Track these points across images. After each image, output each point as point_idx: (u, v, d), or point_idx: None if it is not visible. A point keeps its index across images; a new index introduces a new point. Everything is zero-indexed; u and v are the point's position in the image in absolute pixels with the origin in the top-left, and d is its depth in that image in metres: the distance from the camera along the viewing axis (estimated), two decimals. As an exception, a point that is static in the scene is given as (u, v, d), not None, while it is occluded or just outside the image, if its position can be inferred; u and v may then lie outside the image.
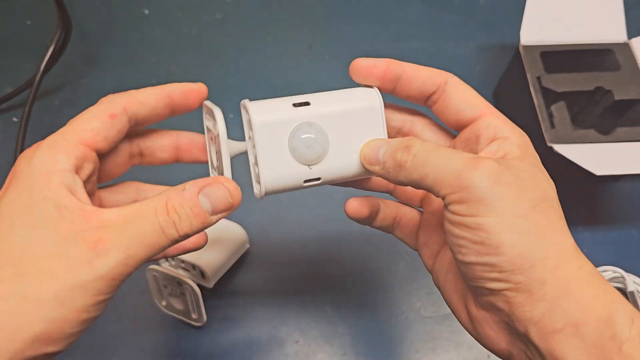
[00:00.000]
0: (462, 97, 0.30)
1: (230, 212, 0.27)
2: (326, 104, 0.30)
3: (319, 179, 0.30)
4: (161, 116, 0.30)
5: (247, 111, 0.29)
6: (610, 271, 0.47)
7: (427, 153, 0.27)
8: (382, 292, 0.48)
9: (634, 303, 0.45)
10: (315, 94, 0.30)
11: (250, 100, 0.30)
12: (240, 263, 0.48)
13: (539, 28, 0.51)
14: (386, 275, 0.49)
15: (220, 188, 0.26)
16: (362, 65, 0.31)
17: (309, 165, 0.29)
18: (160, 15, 0.64)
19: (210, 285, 0.44)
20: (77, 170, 0.26)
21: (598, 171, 0.42)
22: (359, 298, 0.47)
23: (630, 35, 0.51)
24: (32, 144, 0.27)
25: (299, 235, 0.50)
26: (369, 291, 0.48)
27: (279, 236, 0.50)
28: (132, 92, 0.29)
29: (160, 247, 0.25)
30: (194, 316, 0.44)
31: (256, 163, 0.29)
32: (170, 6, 0.65)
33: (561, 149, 0.44)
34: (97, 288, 0.23)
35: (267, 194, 0.29)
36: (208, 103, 0.31)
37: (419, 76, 0.30)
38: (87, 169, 0.26)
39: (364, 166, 0.30)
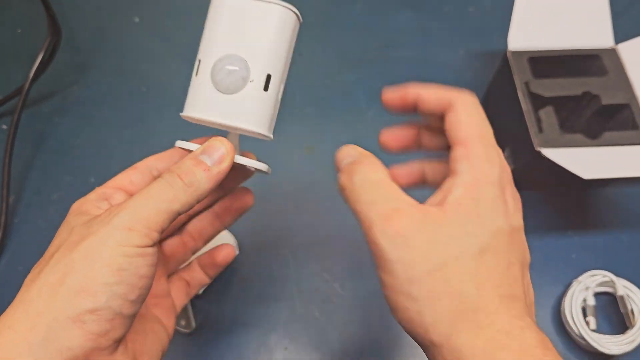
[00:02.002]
0: (455, 122, 0.29)
1: (228, 162, 0.29)
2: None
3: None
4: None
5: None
6: (600, 275, 0.47)
7: (362, 189, 0.28)
8: (373, 298, 0.48)
9: (624, 307, 0.45)
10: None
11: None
12: (230, 269, 0.48)
13: (526, 34, 0.52)
14: (376, 280, 0.48)
15: (215, 142, 0.29)
16: (385, 98, 0.32)
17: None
18: (151, 23, 0.64)
19: (199, 291, 0.44)
20: (105, 197, 0.31)
21: (586, 175, 0.42)
22: (348, 304, 0.47)
23: (617, 40, 0.52)
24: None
25: (288, 241, 0.50)
26: (359, 297, 0.47)
27: (268, 242, 0.50)
28: (157, 154, 0.35)
29: (173, 200, 0.27)
30: (182, 322, 0.44)
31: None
32: (161, 14, 0.65)
33: (549, 153, 0.45)
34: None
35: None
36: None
37: (428, 97, 0.30)
38: (117, 197, 0.32)
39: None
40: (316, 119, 0.58)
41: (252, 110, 0.30)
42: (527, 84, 0.49)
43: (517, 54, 0.51)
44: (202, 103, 0.30)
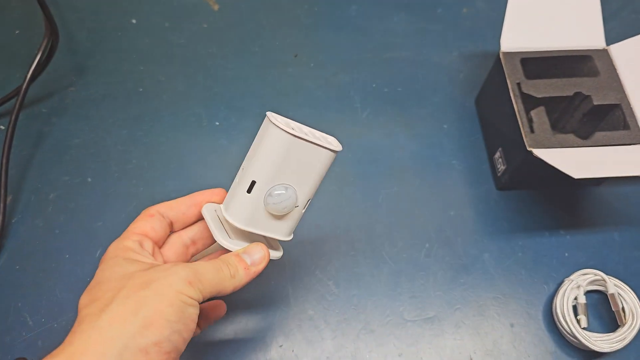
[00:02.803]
0: None
1: (264, 264, 0.37)
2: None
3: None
4: (190, 217, 0.40)
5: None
6: (591, 274, 0.47)
7: None
8: (365, 296, 0.48)
9: (615, 305, 0.46)
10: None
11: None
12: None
13: (519, 35, 0.52)
14: (370, 279, 0.49)
15: (256, 247, 0.37)
16: None
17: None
18: (148, 24, 0.65)
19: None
20: (141, 244, 0.37)
21: (577, 174, 0.42)
22: (342, 302, 0.48)
23: (609, 41, 0.52)
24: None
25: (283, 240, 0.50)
26: (352, 295, 0.48)
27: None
28: (167, 202, 0.40)
29: (218, 282, 0.34)
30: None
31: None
32: (158, 16, 0.66)
33: (541, 153, 0.45)
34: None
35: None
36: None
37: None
38: (148, 245, 0.37)
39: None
40: (311, 119, 0.58)
41: (290, 225, 0.38)
42: (519, 85, 0.50)
43: (510, 54, 0.52)
44: (251, 218, 0.36)
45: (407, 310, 0.48)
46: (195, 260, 0.40)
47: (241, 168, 0.37)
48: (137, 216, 0.39)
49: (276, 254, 0.39)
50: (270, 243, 0.40)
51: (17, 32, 0.64)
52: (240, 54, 0.63)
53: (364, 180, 0.54)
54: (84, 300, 0.33)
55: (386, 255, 0.50)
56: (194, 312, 0.32)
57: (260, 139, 0.35)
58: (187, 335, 0.32)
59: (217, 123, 0.57)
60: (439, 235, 0.51)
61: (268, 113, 0.35)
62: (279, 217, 0.37)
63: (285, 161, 0.35)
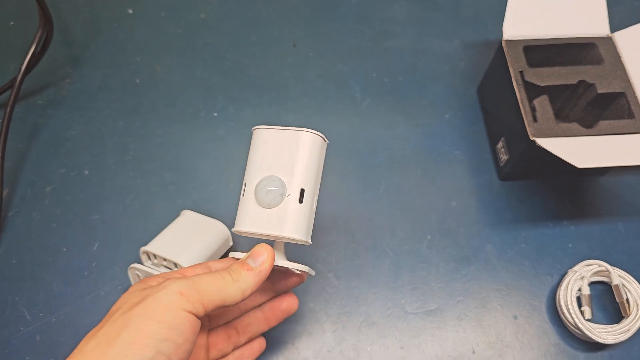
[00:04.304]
0: None
1: (269, 264, 0.35)
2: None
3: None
4: None
5: None
6: (595, 265, 0.47)
7: None
8: (366, 288, 0.47)
9: (620, 297, 0.45)
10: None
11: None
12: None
13: (521, 22, 0.51)
14: (371, 271, 0.48)
15: (258, 248, 0.35)
16: None
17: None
18: (145, 15, 0.64)
19: None
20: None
21: (580, 164, 0.42)
22: (343, 294, 0.47)
23: (613, 29, 0.51)
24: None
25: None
26: (353, 287, 0.47)
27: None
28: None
29: (220, 289, 0.32)
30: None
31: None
32: (155, 6, 0.65)
33: (544, 142, 0.44)
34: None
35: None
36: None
37: None
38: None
39: None
40: (310, 109, 0.58)
41: (290, 220, 0.35)
42: (521, 73, 0.49)
43: (512, 42, 0.51)
44: (248, 218, 0.36)
45: (409, 302, 0.47)
46: None
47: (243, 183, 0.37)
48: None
49: (300, 266, 0.38)
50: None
51: (11, 23, 0.63)
52: (238, 44, 0.62)
53: (364, 171, 0.54)
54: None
55: (387, 246, 0.49)
56: (188, 327, 0.30)
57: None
58: (181, 356, 0.30)
59: (215, 114, 0.56)
60: (440, 226, 0.51)
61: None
62: (276, 212, 0.35)
63: (264, 153, 0.36)
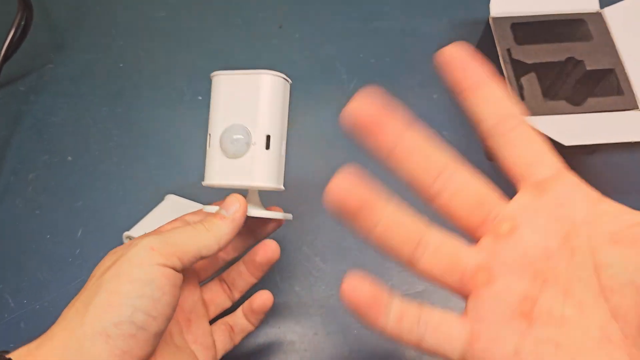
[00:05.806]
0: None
1: (241, 211, 0.34)
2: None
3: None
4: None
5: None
6: (584, 244, 0.46)
7: None
8: (354, 270, 0.47)
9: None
10: None
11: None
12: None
13: (509, -1, 0.50)
14: (357, 254, 0.48)
15: (229, 197, 0.35)
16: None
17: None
18: (128, -2, 0.63)
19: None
20: None
21: (567, 142, 0.41)
22: (329, 277, 0.47)
23: (603, 4, 0.50)
24: None
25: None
26: (340, 270, 0.47)
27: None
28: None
29: (193, 238, 0.32)
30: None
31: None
32: (138, -11, 0.63)
33: (531, 121, 0.44)
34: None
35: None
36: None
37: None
38: None
39: None
40: (296, 92, 0.56)
41: (259, 168, 0.35)
42: (509, 51, 0.48)
43: (499, 19, 0.50)
44: (216, 171, 0.35)
45: (396, 284, 0.47)
46: None
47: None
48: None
49: (274, 214, 0.37)
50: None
51: (-9, 8, 0.62)
52: (222, 26, 0.61)
53: (352, 153, 0.53)
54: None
55: (374, 229, 0.49)
56: (165, 281, 0.29)
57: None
58: (161, 310, 0.29)
59: (200, 97, 0.56)
60: (427, 207, 0.50)
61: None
62: (243, 161, 0.34)
63: (225, 101, 0.35)
